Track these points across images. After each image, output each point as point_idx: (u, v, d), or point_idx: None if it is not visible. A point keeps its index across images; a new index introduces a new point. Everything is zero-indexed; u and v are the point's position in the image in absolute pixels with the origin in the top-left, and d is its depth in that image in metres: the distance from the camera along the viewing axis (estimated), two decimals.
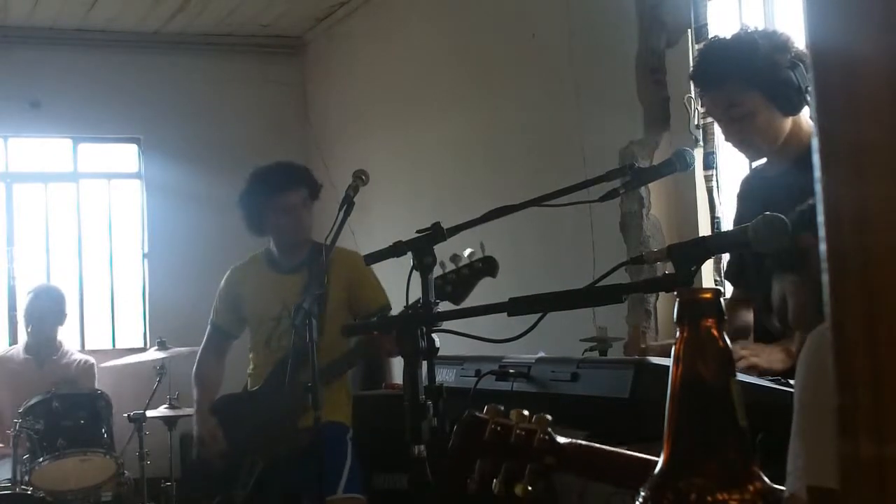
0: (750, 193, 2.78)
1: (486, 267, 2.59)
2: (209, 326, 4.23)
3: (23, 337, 6.43)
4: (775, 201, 2.51)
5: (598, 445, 1.23)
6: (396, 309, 3.50)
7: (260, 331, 4.04)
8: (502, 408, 1.21)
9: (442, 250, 2.41)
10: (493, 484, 1.18)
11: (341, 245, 3.54)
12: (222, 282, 4.19)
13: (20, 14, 6.91)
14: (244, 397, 4.07)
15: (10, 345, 6.74)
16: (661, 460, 0.92)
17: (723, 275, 3.34)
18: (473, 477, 1.19)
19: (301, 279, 3.90)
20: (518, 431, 1.18)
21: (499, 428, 1.18)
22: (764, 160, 2.73)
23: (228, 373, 4.29)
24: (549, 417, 1.19)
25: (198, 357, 4.24)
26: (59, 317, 5.69)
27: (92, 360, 5.81)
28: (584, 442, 1.21)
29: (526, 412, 1.20)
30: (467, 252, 2.59)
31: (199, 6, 6.91)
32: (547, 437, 1.17)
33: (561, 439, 1.19)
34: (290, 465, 3.78)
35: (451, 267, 2.54)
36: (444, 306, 2.40)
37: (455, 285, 2.55)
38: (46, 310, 5.63)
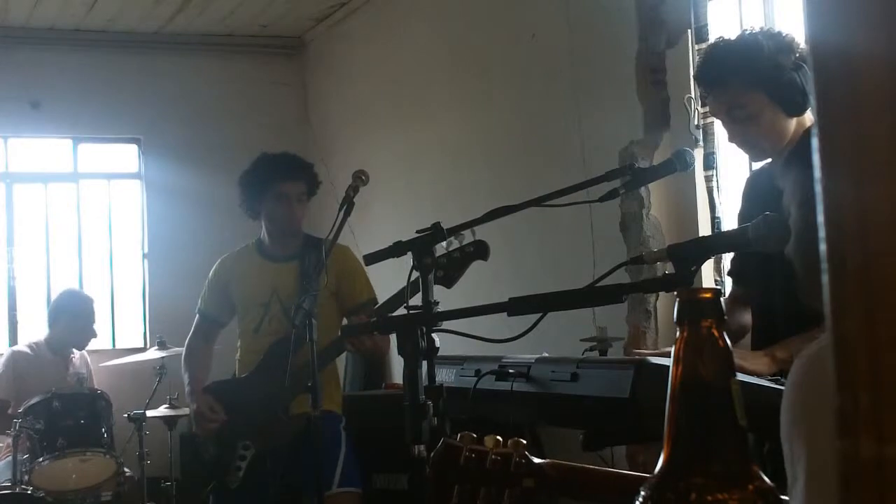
0: (753, 193, 2.79)
1: (477, 250, 2.58)
2: (197, 315, 4.27)
3: (24, 337, 6.44)
4: (777, 202, 2.52)
5: (577, 464, 1.22)
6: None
7: (248, 317, 4.06)
8: (475, 435, 1.20)
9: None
10: None
11: (338, 242, 3.58)
12: (211, 272, 4.24)
13: (20, 14, 6.90)
14: (235, 383, 4.07)
15: (10, 344, 6.72)
16: (661, 460, 0.92)
17: (726, 272, 3.34)
18: None
19: (292, 269, 3.97)
20: (493, 457, 1.17)
21: (473, 455, 1.18)
22: (769, 160, 2.74)
23: (214, 361, 4.31)
24: (523, 441, 1.18)
25: (186, 344, 4.27)
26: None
27: (84, 351, 5.87)
28: (562, 462, 1.20)
29: (500, 437, 1.19)
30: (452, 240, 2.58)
31: (199, 6, 6.90)
32: (524, 461, 1.17)
33: (538, 460, 1.18)
34: (284, 451, 3.78)
35: (441, 251, 2.54)
36: (444, 306, 2.40)
37: (447, 269, 2.54)
38: (87, 314, 5.65)
